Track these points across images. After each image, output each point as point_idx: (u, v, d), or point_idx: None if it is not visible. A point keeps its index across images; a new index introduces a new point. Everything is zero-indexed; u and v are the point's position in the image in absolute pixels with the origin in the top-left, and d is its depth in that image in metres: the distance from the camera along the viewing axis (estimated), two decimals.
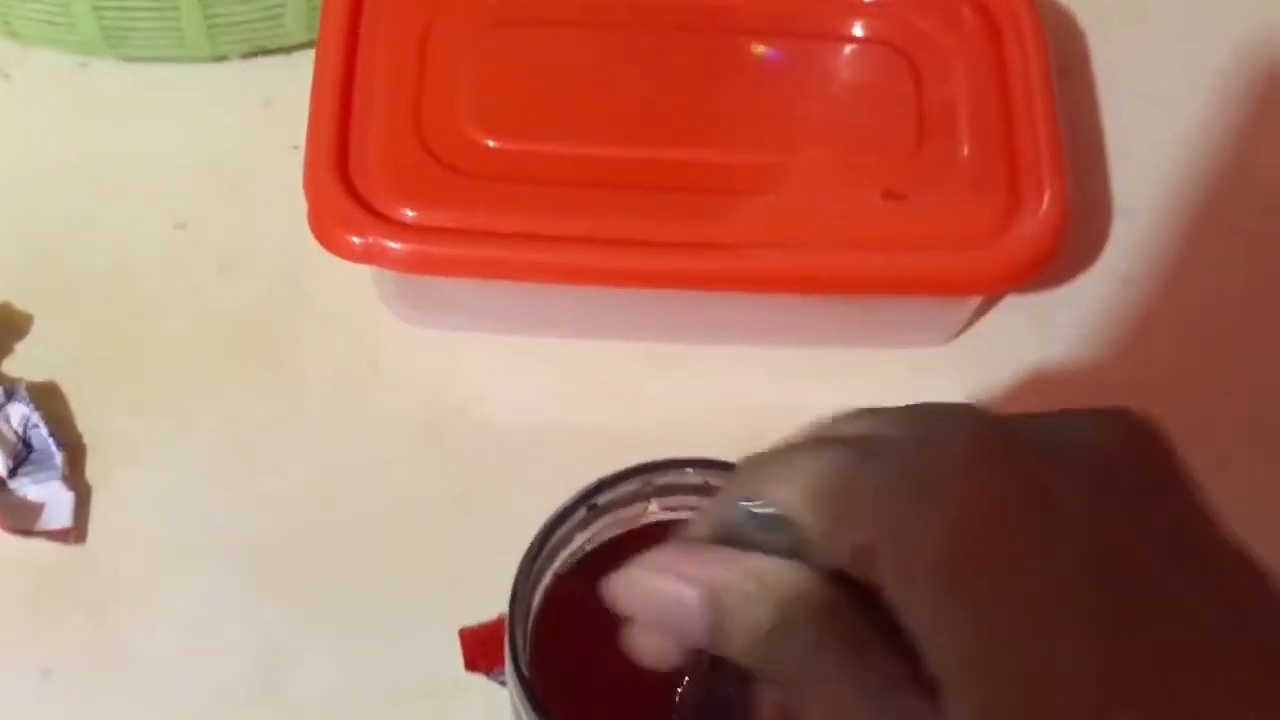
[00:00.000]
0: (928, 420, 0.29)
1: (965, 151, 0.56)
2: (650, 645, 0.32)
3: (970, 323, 0.59)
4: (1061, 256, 0.57)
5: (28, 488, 0.54)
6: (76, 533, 0.54)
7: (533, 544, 0.39)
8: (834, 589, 0.29)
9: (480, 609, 0.52)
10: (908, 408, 0.30)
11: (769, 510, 0.30)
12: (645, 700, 0.39)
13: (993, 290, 0.57)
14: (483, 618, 0.52)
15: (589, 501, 0.39)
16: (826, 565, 0.29)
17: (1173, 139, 0.65)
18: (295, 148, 0.56)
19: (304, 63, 0.58)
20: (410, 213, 0.54)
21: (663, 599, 0.31)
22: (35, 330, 0.58)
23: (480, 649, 0.52)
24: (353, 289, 0.58)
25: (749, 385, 0.58)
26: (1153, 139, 0.65)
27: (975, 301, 0.58)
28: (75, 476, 0.55)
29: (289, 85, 0.59)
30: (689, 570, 0.30)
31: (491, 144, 0.55)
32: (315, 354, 0.58)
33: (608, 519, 0.41)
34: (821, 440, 0.31)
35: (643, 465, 0.39)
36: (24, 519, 0.53)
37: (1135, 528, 0.26)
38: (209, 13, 0.61)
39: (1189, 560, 0.26)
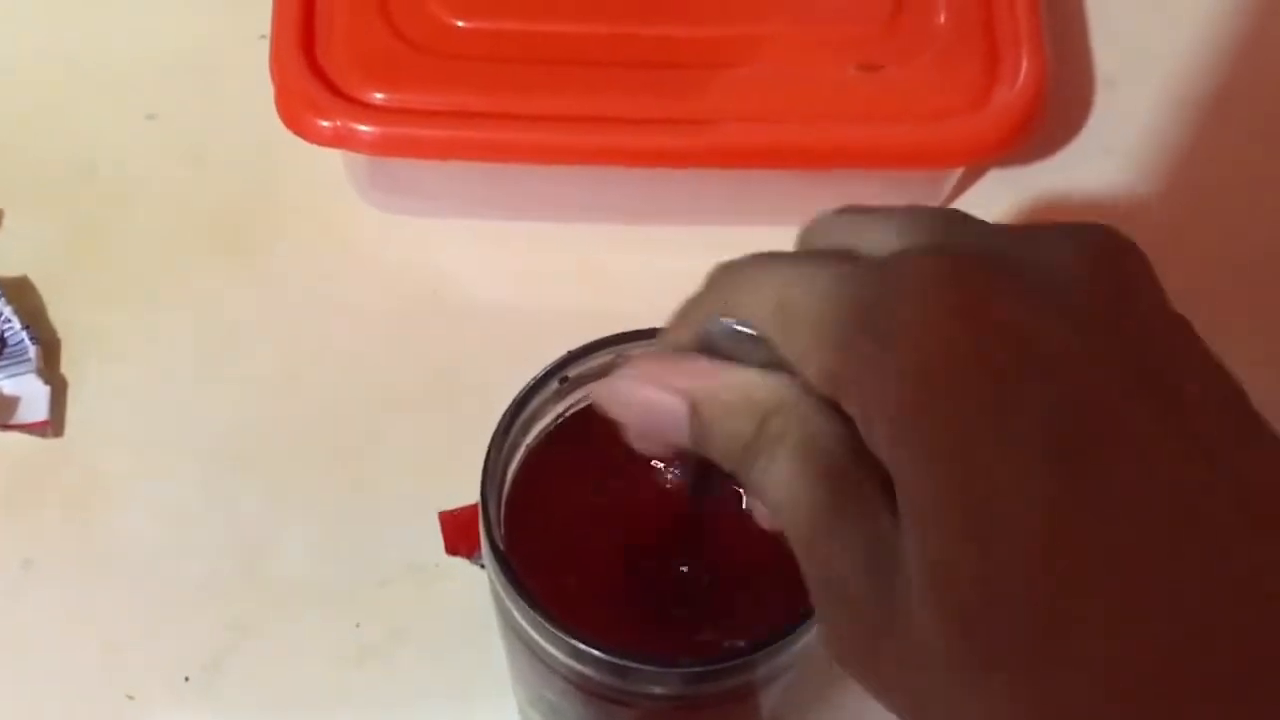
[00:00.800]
0: (901, 232, 0.28)
1: (941, 21, 0.55)
2: (644, 445, 0.32)
3: (952, 197, 0.59)
4: (1043, 129, 0.56)
5: (2, 382, 0.54)
6: (53, 426, 0.53)
7: (503, 417, 0.39)
8: (814, 403, 0.29)
9: (458, 491, 0.52)
10: (884, 216, 0.30)
11: (747, 329, 0.30)
12: (621, 571, 0.39)
13: (971, 160, 0.56)
14: (461, 500, 0.52)
15: (560, 374, 0.39)
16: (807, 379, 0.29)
17: (1154, 8, 0.64)
18: (262, 37, 0.55)
19: None
20: (379, 95, 0.53)
21: (648, 408, 0.31)
22: (6, 225, 0.57)
23: (460, 532, 0.52)
24: (324, 177, 0.57)
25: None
26: (1134, 8, 0.64)
27: (956, 174, 0.57)
28: (50, 370, 0.54)
29: None
30: (673, 379, 0.30)
31: (460, 24, 0.54)
32: (288, 242, 0.57)
33: (580, 393, 0.40)
34: (796, 255, 0.31)
35: (613, 336, 0.39)
36: (0, 413, 0.53)
37: (1098, 360, 0.25)
38: None
39: (1154, 393, 0.25)
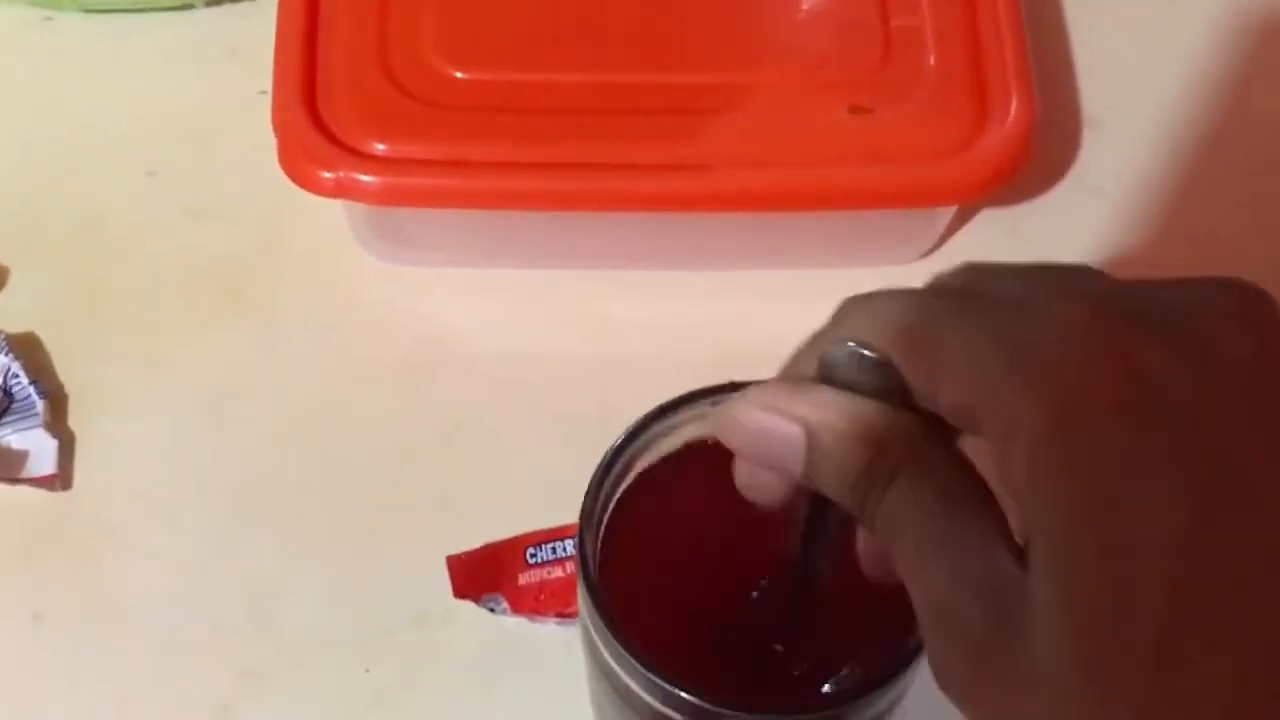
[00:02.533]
0: (1034, 282, 0.29)
1: (931, 63, 0.56)
2: (755, 479, 0.33)
3: (944, 239, 0.60)
4: (1032, 169, 0.57)
5: (11, 437, 0.54)
6: (61, 479, 0.54)
7: (602, 462, 0.39)
8: (932, 437, 0.29)
9: (465, 538, 0.52)
10: (1017, 267, 0.30)
11: (872, 355, 0.30)
12: (714, 618, 0.39)
13: (962, 200, 0.57)
14: (467, 542, 0.52)
15: (660, 421, 0.39)
16: (926, 411, 0.30)
17: (1140, 49, 0.65)
18: (263, 92, 0.56)
19: (269, 8, 0.57)
20: (380, 146, 0.54)
21: (765, 435, 0.31)
22: (12, 282, 0.58)
23: (468, 575, 0.52)
24: (326, 230, 0.58)
25: (726, 309, 0.58)
26: (1120, 49, 0.65)
27: (947, 215, 0.58)
28: (58, 424, 0.55)
29: (255, 30, 0.59)
30: (791, 408, 0.31)
31: (459, 75, 0.55)
32: (291, 294, 0.58)
33: (675, 438, 0.40)
34: (926, 289, 0.31)
35: (708, 389, 0.39)
36: (9, 468, 0.53)
37: (1231, 410, 0.26)
38: None
39: None
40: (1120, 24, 0.66)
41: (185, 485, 0.54)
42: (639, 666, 0.35)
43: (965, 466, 0.29)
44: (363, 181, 0.53)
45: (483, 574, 0.52)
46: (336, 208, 0.56)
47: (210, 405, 0.56)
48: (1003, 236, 0.60)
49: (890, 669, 0.35)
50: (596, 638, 0.37)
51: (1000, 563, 0.27)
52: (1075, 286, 0.29)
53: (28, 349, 0.56)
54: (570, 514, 0.51)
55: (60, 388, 0.56)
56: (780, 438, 0.31)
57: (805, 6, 0.58)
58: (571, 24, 0.57)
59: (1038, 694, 0.26)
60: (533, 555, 0.52)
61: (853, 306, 0.31)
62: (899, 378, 0.30)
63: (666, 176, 0.54)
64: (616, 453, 0.39)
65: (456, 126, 0.54)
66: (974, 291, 0.30)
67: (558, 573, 0.52)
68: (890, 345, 0.30)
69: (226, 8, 0.64)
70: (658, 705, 0.36)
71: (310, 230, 0.59)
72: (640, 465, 0.40)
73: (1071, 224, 0.61)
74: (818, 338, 0.32)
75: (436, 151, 0.54)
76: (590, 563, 0.37)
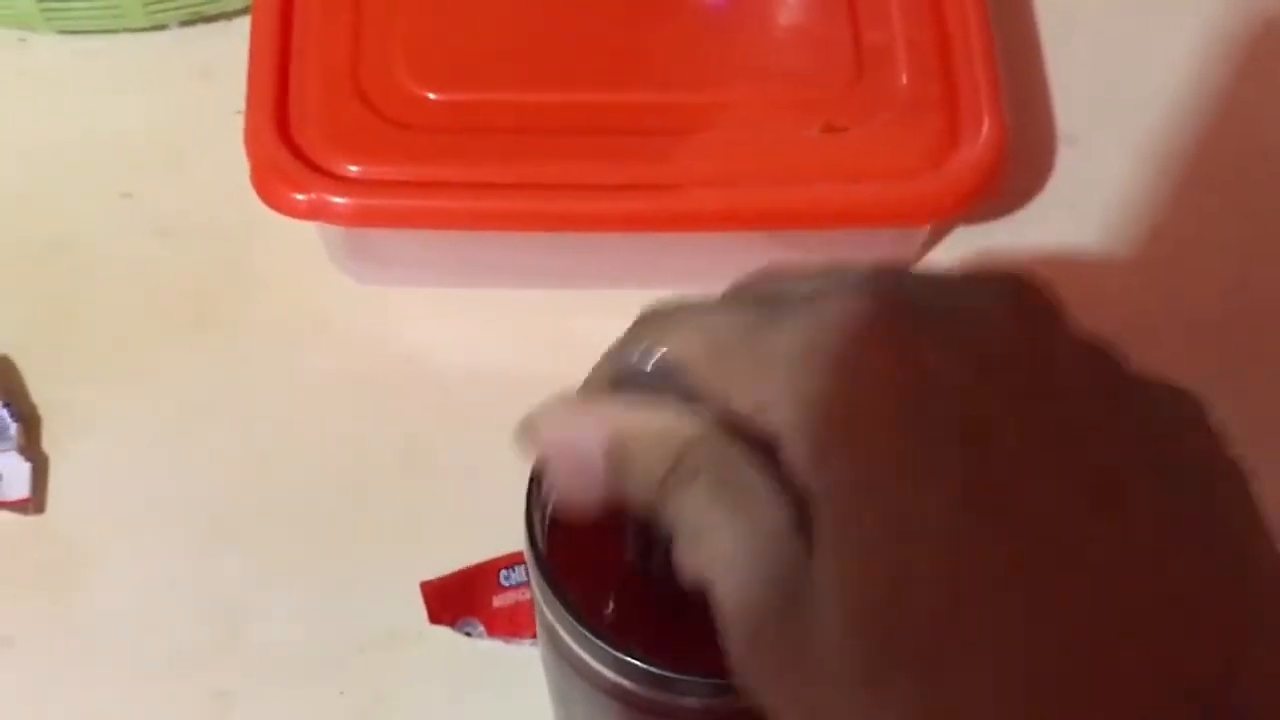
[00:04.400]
0: (827, 283, 0.30)
1: (903, 82, 0.57)
2: (571, 488, 0.32)
3: (920, 255, 0.60)
4: (1008, 185, 0.58)
5: None
6: (35, 503, 0.54)
7: None
8: (728, 439, 0.30)
9: (436, 557, 0.52)
10: (814, 268, 0.31)
11: (665, 359, 0.30)
12: (657, 580, 0.39)
13: (936, 218, 0.57)
14: (439, 565, 0.52)
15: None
16: (722, 415, 0.30)
17: (1115, 65, 0.65)
18: (237, 113, 0.56)
19: (243, 29, 0.57)
20: (353, 168, 0.54)
21: (567, 446, 0.31)
22: None
23: (443, 601, 0.52)
24: (299, 250, 0.58)
25: None
26: (1095, 65, 0.65)
27: (922, 234, 0.58)
28: (31, 448, 0.55)
29: (229, 51, 0.59)
30: (588, 417, 0.31)
31: (431, 96, 0.55)
32: (263, 315, 0.58)
33: None
34: (724, 297, 0.32)
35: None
36: None
37: (1008, 407, 0.27)
38: None
39: (1059, 442, 0.27)
40: (1095, 40, 0.66)
41: (158, 507, 0.54)
42: (591, 636, 0.35)
43: (763, 465, 0.29)
44: (335, 203, 0.53)
45: (457, 599, 0.52)
46: (310, 228, 0.56)
47: (184, 427, 0.56)
48: (978, 253, 0.60)
49: None
50: (549, 613, 0.37)
51: (793, 553, 0.28)
52: (862, 284, 0.29)
53: (1, 371, 0.56)
54: None
55: (34, 410, 0.56)
56: (580, 447, 0.31)
57: (777, 25, 0.59)
58: (543, 45, 0.57)
59: (822, 677, 0.27)
60: (506, 577, 0.52)
61: (649, 317, 0.32)
62: (690, 381, 0.30)
63: (639, 196, 0.54)
64: None
65: (429, 148, 0.54)
66: (769, 295, 0.30)
67: (530, 594, 0.52)
68: (687, 352, 0.30)
69: (200, 28, 0.64)
70: (613, 676, 0.36)
71: (283, 251, 0.59)
72: None
73: (1047, 240, 0.61)
74: (619, 345, 0.32)
75: (409, 173, 0.54)
76: (538, 539, 0.38)
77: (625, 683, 0.36)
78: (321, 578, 0.53)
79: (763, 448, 0.29)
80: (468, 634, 0.52)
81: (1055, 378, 0.28)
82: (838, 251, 0.58)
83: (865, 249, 0.58)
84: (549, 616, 0.37)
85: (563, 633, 0.37)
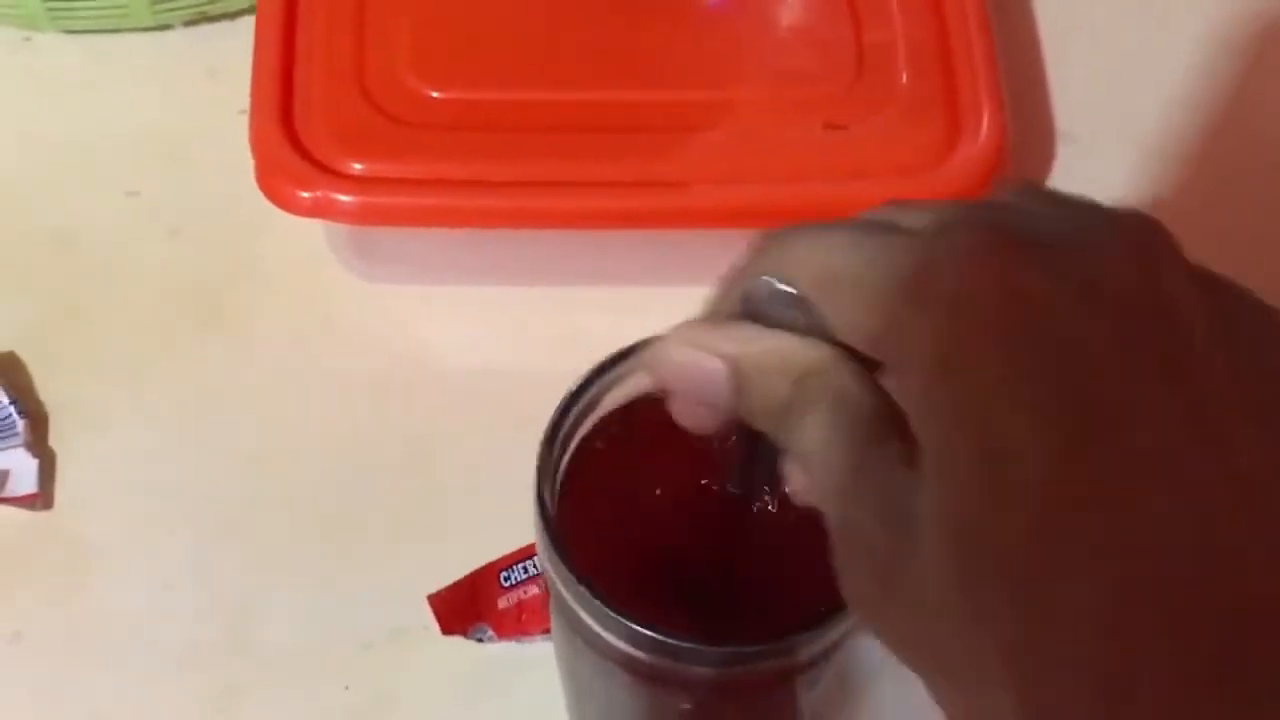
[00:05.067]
0: (941, 216, 0.30)
1: (904, 80, 0.57)
2: (689, 412, 0.34)
3: None
4: (1007, 183, 0.58)
5: None
6: (43, 499, 0.54)
7: (556, 412, 0.40)
8: (848, 367, 0.30)
9: (442, 554, 0.53)
10: (938, 202, 0.31)
11: (789, 290, 0.31)
12: (669, 562, 0.40)
13: None
14: (444, 563, 0.52)
15: (610, 371, 0.40)
16: (843, 343, 0.31)
17: (1114, 62, 0.66)
18: (242, 112, 0.56)
19: (247, 28, 0.58)
20: (357, 166, 0.54)
21: (691, 371, 0.32)
22: None
23: (452, 611, 0.52)
24: (304, 248, 0.59)
25: None
26: (1094, 63, 0.65)
27: None
28: (39, 444, 0.55)
29: (233, 51, 0.59)
30: (714, 344, 0.32)
31: (435, 94, 0.56)
32: (269, 313, 0.58)
33: (627, 387, 0.41)
34: (841, 224, 0.32)
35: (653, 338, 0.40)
36: None
37: (1112, 336, 0.27)
38: None
39: (1160, 376, 0.26)
40: (1094, 38, 0.66)
41: (165, 503, 0.55)
42: (600, 605, 0.36)
43: (883, 397, 0.30)
44: (340, 201, 0.53)
45: (464, 607, 0.52)
46: (315, 226, 0.56)
47: (189, 423, 0.56)
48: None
49: (836, 603, 0.36)
50: (559, 583, 0.37)
51: (904, 488, 0.28)
52: (975, 217, 0.29)
53: (8, 368, 0.56)
54: None
55: (41, 407, 0.56)
56: (705, 373, 0.32)
57: (779, 24, 0.59)
58: (547, 43, 0.58)
59: (922, 611, 0.27)
60: (506, 578, 0.52)
61: (769, 244, 0.32)
62: (815, 310, 0.31)
63: (643, 193, 0.54)
64: (570, 401, 0.40)
65: (433, 146, 0.55)
66: (888, 224, 0.31)
67: (533, 590, 0.52)
68: (804, 281, 0.31)
69: (205, 28, 0.64)
70: (622, 645, 0.37)
71: (288, 248, 0.59)
72: (592, 418, 0.41)
73: None
74: (738, 274, 0.33)
75: (413, 171, 0.54)
76: (548, 511, 0.38)
77: (634, 651, 0.37)
78: (327, 575, 0.53)
79: (875, 377, 0.30)
80: (479, 640, 0.52)
81: (1164, 311, 0.27)
82: None
83: None
84: (559, 586, 0.37)
85: (572, 603, 0.37)
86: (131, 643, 0.52)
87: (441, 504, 0.55)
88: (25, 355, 0.57)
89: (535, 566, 0.52)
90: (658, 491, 0.41)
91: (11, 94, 0.63)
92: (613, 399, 0.41)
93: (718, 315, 0.33)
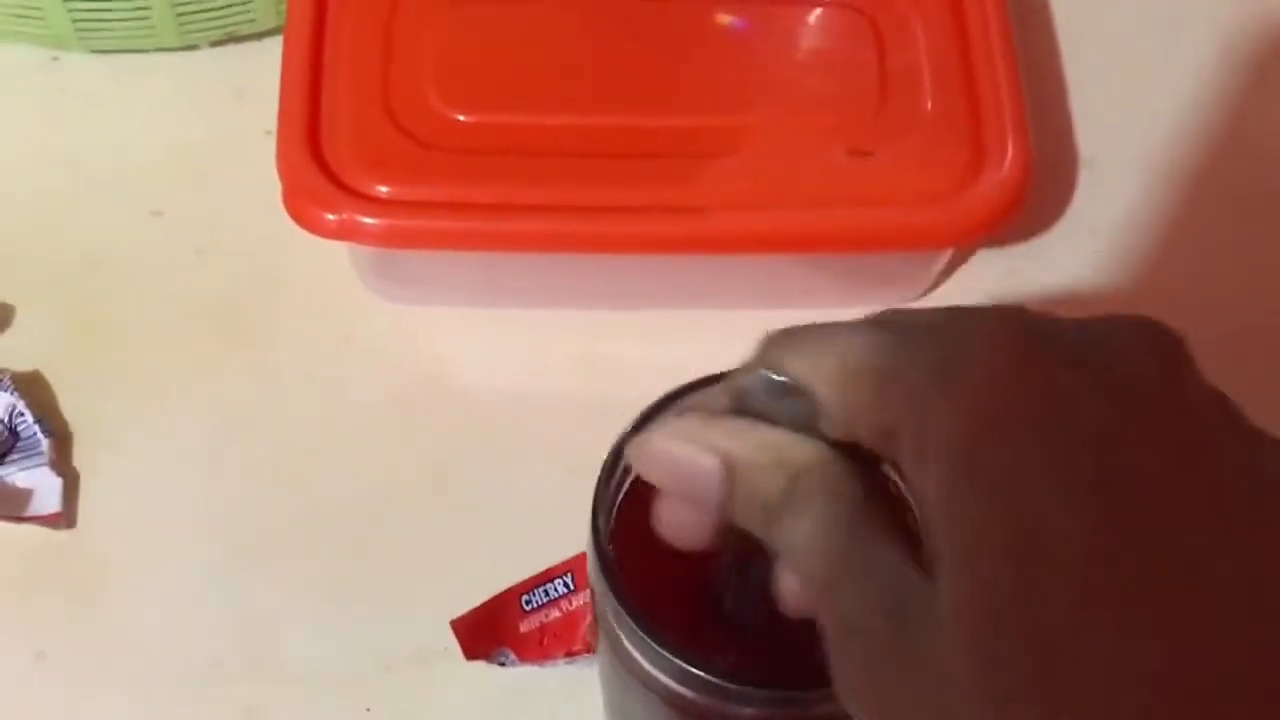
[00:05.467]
0: (954, 314, 0.30)
1: (928, 107, 0.57)
2: (675, 516, 0.33)
3: (941, 279, 0.60)
4: (1028, 209, 0.58)
5: (16, 475, 0.55)
6: (66, 518, 0.54)
7: (614, 446, 0.39)
8: (844, 465, 0.30)
9: (463, 576, 0.53)
10: (940, 307, 0.31)
11: (785, 380, 0.31)
12: (719, 593, 0.39)
13: (959, 242, 0.58)
14: (466, 584, 0.52)
15: (669, 408, 0.40)
16: (839, 440, 0.30)
17: (1135, 89, 0.66)
18: (268, 133, 0.56)
19: (274, 49, 0.58)
20: (383, 188, 0.54)
21: (682, 466, 0.32)
22: (17, 321, 0.58)
23: (473, 638, 0.52)
24: (329, 269, 0.59)
25: (721, 349, 0.57)
26: (1115, 89, 0.66)
27: (944, 257, 0.59)
28: (63, 463, 0.55)
29: (260, 72, 0.60)
30: (707, 438, 0.31)
31: (461, 118, 0.56)
32: (293, 333, 0.59)
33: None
34: (852, 321, 0.32)
35: (716, 375, 0.40)
36: (13, 506, 0.54)
37: (1142, 439, 0.27)
38: (178, 2, 0.61)
39: (1193, 482, 0.26)
40: (1115, 64, 0.66)
41: (188, 523, 0.55)
42: (651, 641, 0.36)
43: (878, 494, 0.30)
44: (365, 223, 0.54)
45: (487, 632, 0.52)
46: (339, 247, 0.57)
47: (213, 443, 0.56)
48: (999, 277, 0.61)
49: None
50: (611, 615, 0.37)
51: (907, 579, 0.28)
52: (989, 313, 0.30)
53: (33, 387, 0.57)
54: (568, 550, 0.52)
55: (65, 426, 0.56)
56: (697, 469, 0.31)
57: (802, 50, 0.59)
58: (571, 68, 0.58)
59: (937, 699, 0.27)
60: (528, 602, 0.52)
61: (780, 336, 0.32)
62: (809, 404, 0.30)
63: (665, 219, 0.54)
64: (632, 432, 0.40)
65: (458, 169, 0.55)
66: (896, 323, 0.31)
67: (555, 613, 0.52)
68: (810, 370, 0.30)
69: (231, 48, 0.65)
70: (670, 682, 0.37)
71: (313, 269, 0.59)
72: None
73: (1068, 264, 0.61)
74: (739, 368, 0.33)
75: (438, 194, 0.55)
76: (603, 542, 0.38)
77: (684, 691, 0.37)
78: (349, 595, 0.54)
79: (882, 475, 0.30)
80: (502, 664, 0.52)
81: (1184, 405, 0.28)
82: (860, 273, 0.59)
83: (886, 271, 0.59)
84: (610, 619, 0.37)
85: (622, 635, 0.37)
86: (153, 662, 0.52)
87: (462, 525, 0.55)
88: (50, 374, 0.57)
89: (556, 589, 0.52)
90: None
91: (39, 113, 0.64)
92: None
93: (707, 411, 0.33)
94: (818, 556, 0.30)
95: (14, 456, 0.55)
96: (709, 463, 0.31)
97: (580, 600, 0.52)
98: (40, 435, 0.55)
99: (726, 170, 0.55)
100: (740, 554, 0.34)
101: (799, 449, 0.30)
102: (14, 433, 0.55)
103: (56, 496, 0.54)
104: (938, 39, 0.59)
